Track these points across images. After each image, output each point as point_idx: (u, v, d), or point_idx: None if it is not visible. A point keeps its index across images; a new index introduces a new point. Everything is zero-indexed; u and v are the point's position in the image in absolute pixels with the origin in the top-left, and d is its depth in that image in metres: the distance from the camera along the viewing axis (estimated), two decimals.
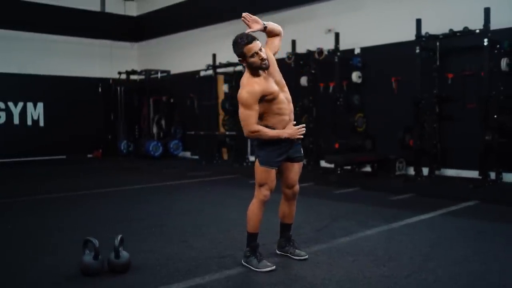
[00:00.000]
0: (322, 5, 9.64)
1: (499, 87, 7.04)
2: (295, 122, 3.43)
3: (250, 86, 3.24)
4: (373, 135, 8.85)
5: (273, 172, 3.38)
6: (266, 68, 3.28)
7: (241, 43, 3.23)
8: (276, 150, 3.37)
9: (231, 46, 3.30)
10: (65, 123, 12.75)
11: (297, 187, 3.59)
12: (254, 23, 3.35)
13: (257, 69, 3.27)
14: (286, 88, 3.43)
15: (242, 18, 3.38)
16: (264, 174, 3.36)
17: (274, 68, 3.39)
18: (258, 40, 3.26)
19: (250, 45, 3.21)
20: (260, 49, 3.23)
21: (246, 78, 3.31)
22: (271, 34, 3.49)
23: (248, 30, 3.32)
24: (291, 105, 3.45)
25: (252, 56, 3.21)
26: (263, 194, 3.38)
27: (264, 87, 3.26)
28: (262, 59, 3.23)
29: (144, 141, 12.40)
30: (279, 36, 3.52)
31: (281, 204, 3.65)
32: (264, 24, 3.39)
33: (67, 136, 12.68)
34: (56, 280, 3.22)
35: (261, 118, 3.35)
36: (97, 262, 3.27)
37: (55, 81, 12.67)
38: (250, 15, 3.38)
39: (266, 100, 3.28)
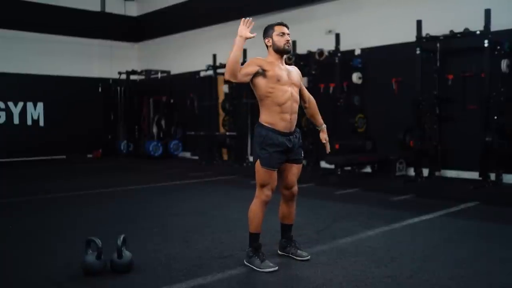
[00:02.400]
0: (322, 6, 9.65)
1: (499, 88, 7.06)
2: (290, 125, 3.41)
3: (256, 59, 3.38)
4: (374, 136, 8.87)
5: (274, 173, 3.39)
6: (288, 51, 3.41)
7: (273, 23, 3.45)
8: (278, 152, 3.37)
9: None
10: (65, 123, 12.75)
11: (295, 188, 3.59)
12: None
13: (279, 50, 3.38)
14: (297, 89, 3.46)
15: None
16: (267, 175, 3.36)
17: (297, 76, 3.49)
18: (288, 29, 3.44)
19: (281, 26, 3.42)
20: (288, 34, 3.40)
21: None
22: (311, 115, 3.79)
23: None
24: (296, 106, 3.44)
25: (279, 34, 3.38)
26: (265, 194, 3.38)
27: (269, 66, 3.33)
28: (287, 41, 3.38)
29: (144, 141, 12.41)
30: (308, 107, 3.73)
31: (281, 206, 3.65)
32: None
33: (67, 136, 12.69)
34: (58, 280, 3.23)
35: (263, 104, 3.38)
36: (100, 262, 3.27)
37: (55, 81, 12.67)
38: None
39: (268, 76, 3.31)
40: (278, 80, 3.34)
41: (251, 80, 3.33)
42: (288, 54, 3.51)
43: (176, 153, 12.56)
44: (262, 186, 3.39)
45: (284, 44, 3.38)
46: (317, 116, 3.74)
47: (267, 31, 3.45)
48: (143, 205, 5.98)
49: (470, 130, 7.48)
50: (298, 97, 3.47)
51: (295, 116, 3.44)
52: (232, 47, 3.21)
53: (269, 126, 3.36)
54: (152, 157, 12.05)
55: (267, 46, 3.45)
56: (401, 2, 8.57)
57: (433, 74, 7.86)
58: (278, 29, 3.40)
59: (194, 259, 3.63)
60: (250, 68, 3.29)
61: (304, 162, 9.23)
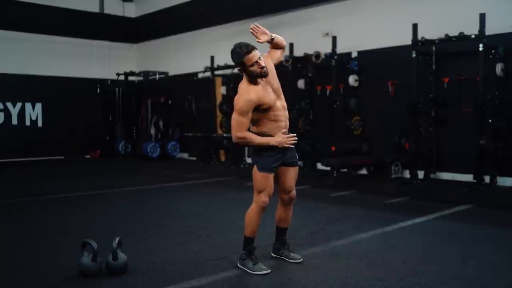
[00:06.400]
0: (319, 9, 9.70)
1: (494, 91, 7.12)
2: (285, 130, 3.44)
3: (248, 94, 3.27)
4: (370, 138, 8.92)
5: (271, 177, 3.42)
6: (265, 75, 3.31)
7: (240, 52, 3.25)
8: (273, 156, 3.40)
9: (229, 52, 3.34)
10: (63, 124, 12.79)
11: (294, 192, 3.62)
12: (262, 34, 3.41)
13: (256, 77, 3.31)
14: (282, 96, 3.48)
15: (251, 30, 3.41)
16: (263, 180, 3.39)
17: (273, 76, 3.43)
18: (256, 49, 3.29)
19: (250, 55, 3.23)
20: (259, 58, 3.26)
21: (245, 85, 3.34)
22: (276, 46, 3.55)
23: (257, 41, 3.40)
24: (286, 112, 3.49)
25: (252, 65, 3.25)
26: (262, 200, 3.40)
27: (260, 96, 3.29)
28: (262, 67, 3.27)
29: (142, 142, 12.44)
30: (282, 49, 3.59)
31: (278, 209, 3.69)
32: (272, 36, 3.44)
33: (65, 136, 12.75)
34: (54, 282, 3.27)
35: (257, 124, 3.40)
36: (95, 264, 3.32)
37: (53, 82, 12.71)
38: (258, 26, 3.42)
39: (262, 109, 3.32)
40: (270, 107, 3.34)
41: None
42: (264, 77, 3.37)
43: (174, 154, 12.60)
44: (260, 191, 3.41)
45: (260, 72, 3.27)
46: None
47: (236, 60, 3.28)
48: (141, 207, 6.02)
49: (465, 133, 7.53)
50: (285, 104, 3.48)
51: (288, 122, 3.49)
52: (262, 141, 3.33)
53: (265, 133, 3.39)
54: (150, 158, 12.09)
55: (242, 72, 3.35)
56: (398, 5, 8.63)
57: (428, 77, 7.91)
58: (248, 60, 3.23)
59: (189, 261, 3.67)
60: (249, 115, 3.28)
61: (300, 163, 9.39)
